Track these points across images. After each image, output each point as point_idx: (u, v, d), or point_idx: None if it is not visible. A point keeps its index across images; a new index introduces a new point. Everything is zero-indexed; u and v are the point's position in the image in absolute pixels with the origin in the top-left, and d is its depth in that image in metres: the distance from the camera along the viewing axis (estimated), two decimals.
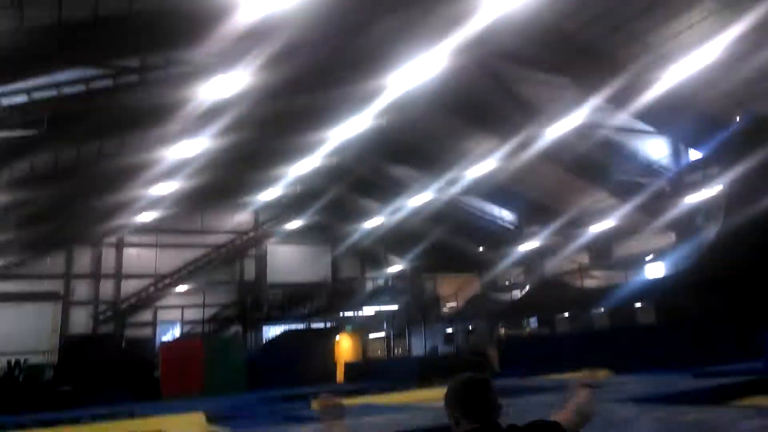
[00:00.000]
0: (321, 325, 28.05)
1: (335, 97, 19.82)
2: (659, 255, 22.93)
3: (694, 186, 21.25)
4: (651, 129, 20.85)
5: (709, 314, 13.68)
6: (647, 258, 23.74)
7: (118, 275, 29.61)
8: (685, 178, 21.89)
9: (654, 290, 16.97)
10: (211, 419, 12.23)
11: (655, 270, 22.00)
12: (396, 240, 33.07)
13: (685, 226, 21.87)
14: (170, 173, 21.85)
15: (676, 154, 21.87)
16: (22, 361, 21.87)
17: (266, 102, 18.09)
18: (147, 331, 29.08)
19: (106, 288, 29.26)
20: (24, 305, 26.82)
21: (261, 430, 8.57)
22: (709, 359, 11.14)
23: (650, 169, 22.33)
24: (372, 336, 29.64)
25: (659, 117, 19.36)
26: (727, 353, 11.83)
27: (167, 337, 27.71)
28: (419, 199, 27.77)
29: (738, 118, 16.65)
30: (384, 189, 29.44)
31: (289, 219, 32.72)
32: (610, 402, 7.66)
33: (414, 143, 25.09)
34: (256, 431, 8.06)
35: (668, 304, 15.91)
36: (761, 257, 13.55)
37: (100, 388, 19.88)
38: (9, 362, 21.65)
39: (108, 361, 22.92)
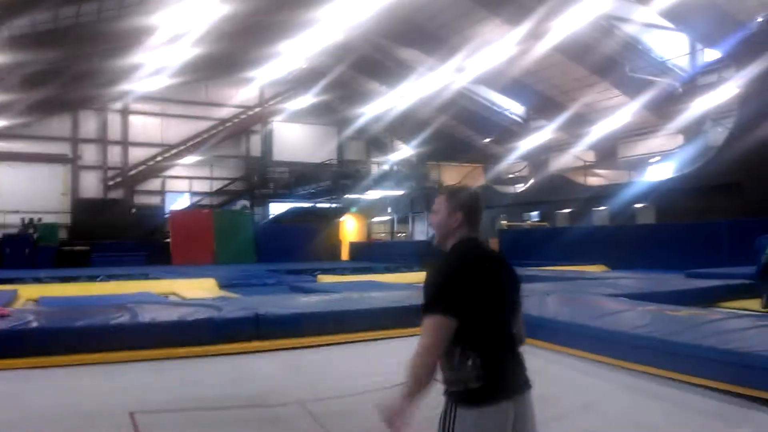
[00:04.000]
0: (326, 205, 28.57)
1: None
2: (665, 157, 23.01)
3: (707, 88, 20.94)
4: (669, 25, 20.20)
5: (711, 218, 14.03)
6: (653, 159, 23.84)
7: (125, 142, 29.71)
8: (698, 80, 21.52)
9: (657, 192, 17.21)
10: (221, 285, 12.89)
11: (659, 172, 22.17)
12: (402, 126, 32.87)
13: (694, 130, 21.80)
14: (172, 40, 21.32)
15: (693, 53, 21.34)
16: (36, 219, 22.52)
17: None
18: (155, 200, 29.63)
19: (114, 154, 29.41)
20: (35, 166, 27.10)
21: (269, 297, 9.07)
22: (704, 262, 11.58)
23: (664, 68, 21.88)
24: (376, 219, 30.27)
25: (679, 12, 18.70)
26: (721, 257, 12.28)
27: (176, 207, 28.28)
28: (427, 85, 27.29)
29: (759, 18, 16.17)
30: (391, 72, 28.83)
31: (294, 97, 32.32)
32: (604, 296, 8.10)
33: (423, 24, 24.27)
34: (265, 299, 8.53)
35: (670, 207, 16.24)
36: None
37: (113, 249, 20.65)
38: (23, 220, 22.27)
39: (119, 224, 23.63)
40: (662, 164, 22.84)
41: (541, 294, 7.84)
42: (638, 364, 4.89)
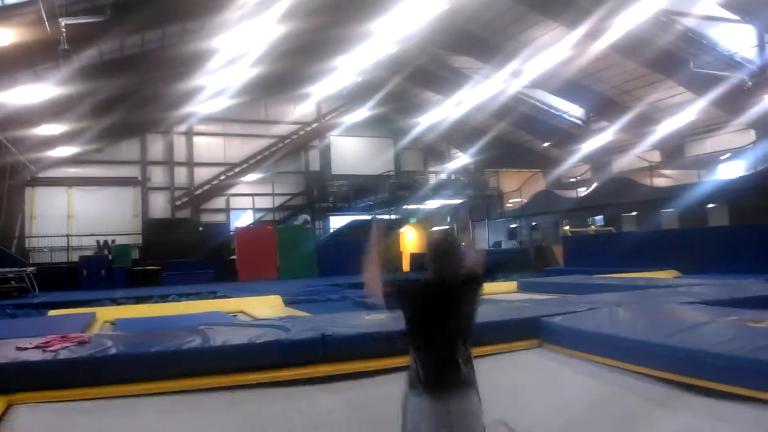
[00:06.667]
0: (385, 216, 28.71)
1: None
2: (736, 154, 21.99)
3: None
4: (734, 17, 19.33)
5: None
6: (723, 157, 22.82)
7: (190, 163, 30.78)
8: None
9: (730, 191, 16.44)
10: (287, 302, 13.09)
11: (731, 170, 21.19)
12: (459, 134, 32.72)
13: (766, 124, 20.79)
14: (232, 61, 22.01)
15: (761, 45, 20.36)
16: (110, 241, 23.60)
17: None
18: (221, 218, 30.55)
19: (180, 175, 30.56)
20: (107, 189, 28.48)
21: (334, 314, 9.10)
22: None
23: (731, 62, 20.94)
24: (435, 229, 30.15)
25: (743, 3, 17.90)
26: None
27: (240, 223, 29.05)
28: (483, 92, 27.05)
29: None
30: (447, 81, 28.76)
31: (350, 111, 32.70)
32: (680, 303, 7.65)
33: (477, 32, 24.11)
34: (330, 316, 8.56)
35: (744, 206, 15.49)
36: None
37: (182, 267, 21.36)
38: (98, 242, 23.38)
39: (188, 242, 24.49)
40: (733, 162, 21.83)
41: (612, 306, 7.44)
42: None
